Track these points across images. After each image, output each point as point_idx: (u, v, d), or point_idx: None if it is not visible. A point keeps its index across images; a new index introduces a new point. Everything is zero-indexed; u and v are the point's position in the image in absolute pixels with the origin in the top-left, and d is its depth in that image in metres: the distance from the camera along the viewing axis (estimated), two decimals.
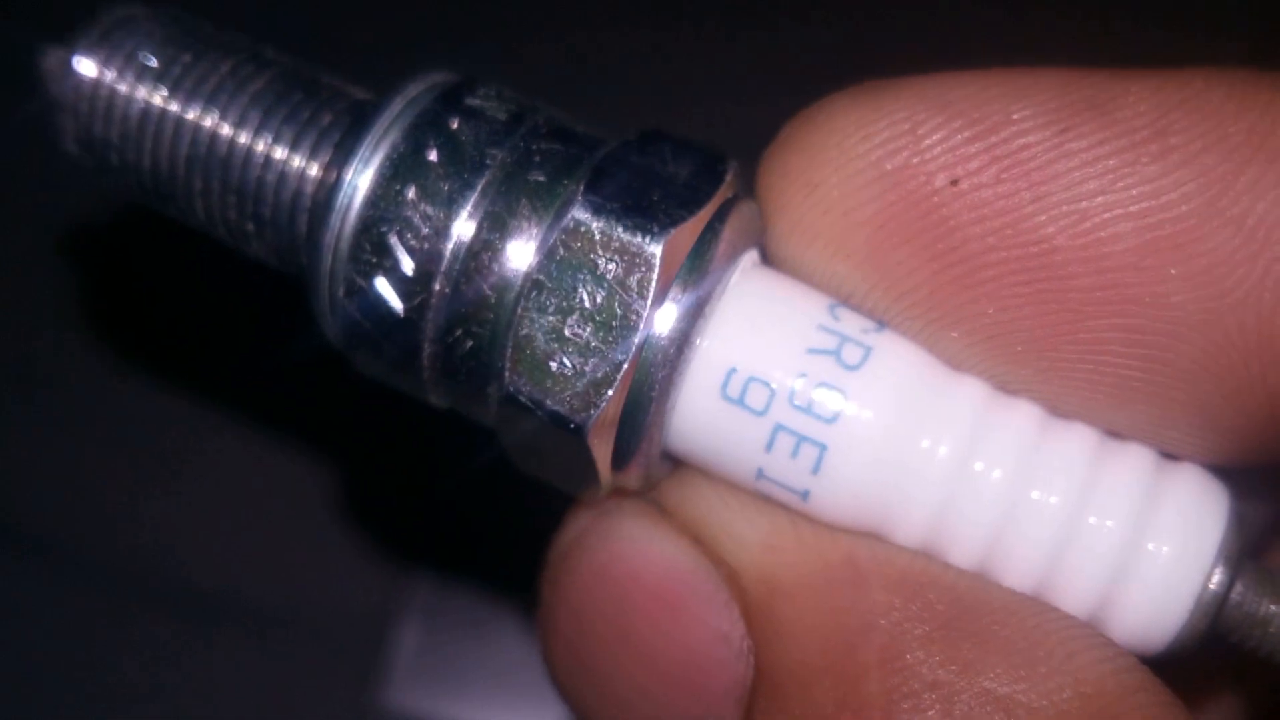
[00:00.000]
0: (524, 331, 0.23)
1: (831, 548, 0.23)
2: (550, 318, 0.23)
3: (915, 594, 0.23)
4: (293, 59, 0.26)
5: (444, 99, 0.24)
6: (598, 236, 0.23)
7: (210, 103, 0.25)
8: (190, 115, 0.25)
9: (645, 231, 0.23)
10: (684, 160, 0.24)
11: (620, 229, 0.23)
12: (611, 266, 0.23)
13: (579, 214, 0.23)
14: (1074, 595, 0.23)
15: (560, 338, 0.23)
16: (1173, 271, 0.22)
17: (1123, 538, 0.23)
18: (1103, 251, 0.22)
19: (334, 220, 0.24)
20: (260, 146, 0.25)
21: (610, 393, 0.23)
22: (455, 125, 0.24)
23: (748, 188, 0.25)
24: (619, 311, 0.23)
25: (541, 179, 0.24)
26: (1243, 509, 0.24)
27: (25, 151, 0.47)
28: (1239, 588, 0.23)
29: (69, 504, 0.54)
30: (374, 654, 0.52)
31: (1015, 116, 0.22)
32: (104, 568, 0.53)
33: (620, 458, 0.24)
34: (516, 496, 0.31)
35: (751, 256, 0.25)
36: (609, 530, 0.25)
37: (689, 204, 0.23)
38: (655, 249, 0.23)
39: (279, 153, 0.25)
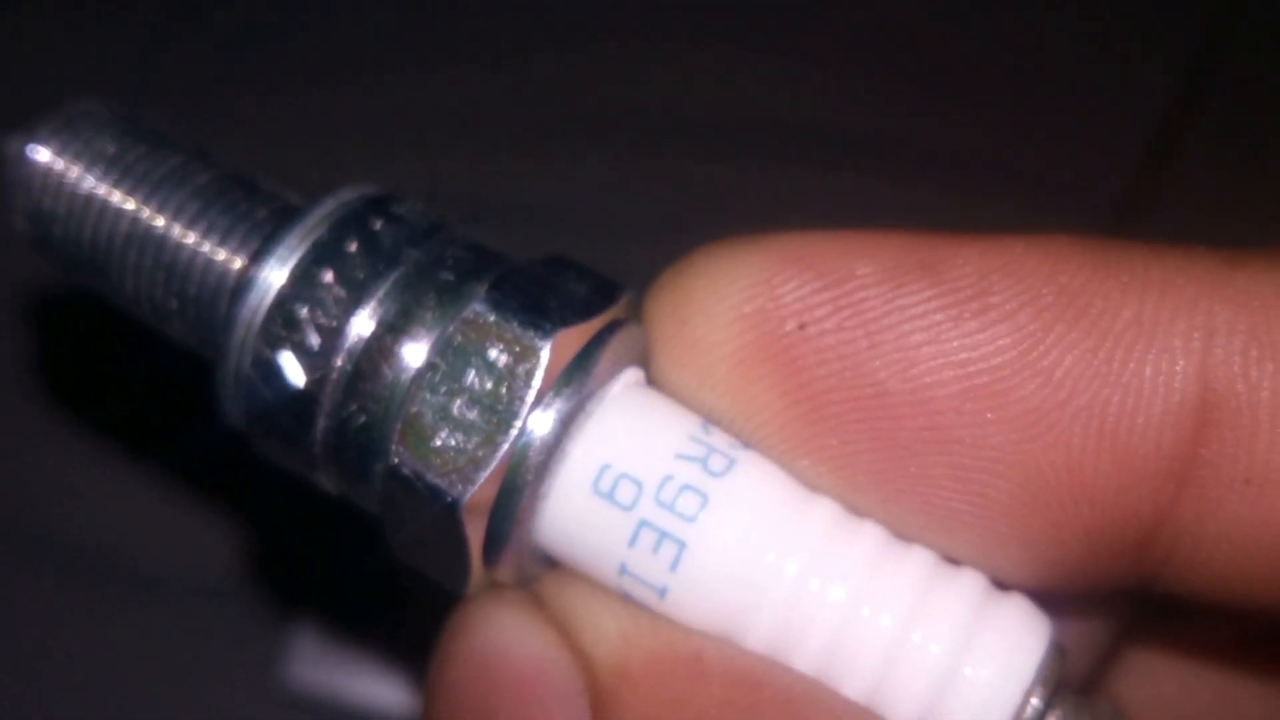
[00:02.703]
0: (414, 409, 0.25)
1: (684, 643, 0.25)
2: (440, 398, 0.25)
3: (751, 692, 0.24)
4: (238, 167, 0.28)
5: (371, 203, 0.27)
6: (492, 328, 0.25)
7: (156, 189, 0.27)
8: (134, 199, 0.27)
9: (537, 328, 0.25)
10: (584, 282, 0.26)
11: (515, 323, 0.25)
12: (503, 357, 0.25)
13: (478, 307, 0.25)
14: (900, 711, 0.24)
15: (447, 416, 0.25)
16: (989, 416, 0.24)
17: (944, 660, 0.24)
18: (928, 395, 0.25)
19: (252, 297, 0.26)
20: (195, 232, 0.27)
21: (488, 472, 0.24)
22: (378, 226, 0.26)
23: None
24: (504, 397, 0.25)
25: (450, 279, 0.26)
26: (1064, 638, 0.25)
27: None
28: (1053, 716, 0.24)
29: None
30: (277, 632, 0.52)
31: (859, 272, 0.25)
32: None
33: (492, 545, 0.25)
34: None
35: (636, 374, 0.27)
36: (486, 618, 0.26)
37: (581, 313, 0.25)
38: (544, 344, 0.25)
39: (212, 238, 0.27)
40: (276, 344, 0.26)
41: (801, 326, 0.25)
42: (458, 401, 0.25)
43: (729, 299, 0.25)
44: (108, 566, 0.54)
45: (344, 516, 0.31)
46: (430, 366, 0.25)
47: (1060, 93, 0.72)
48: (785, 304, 0.25)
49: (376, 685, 0.54)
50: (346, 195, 0.27)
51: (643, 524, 0.25)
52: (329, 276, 0.26)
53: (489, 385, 0.25)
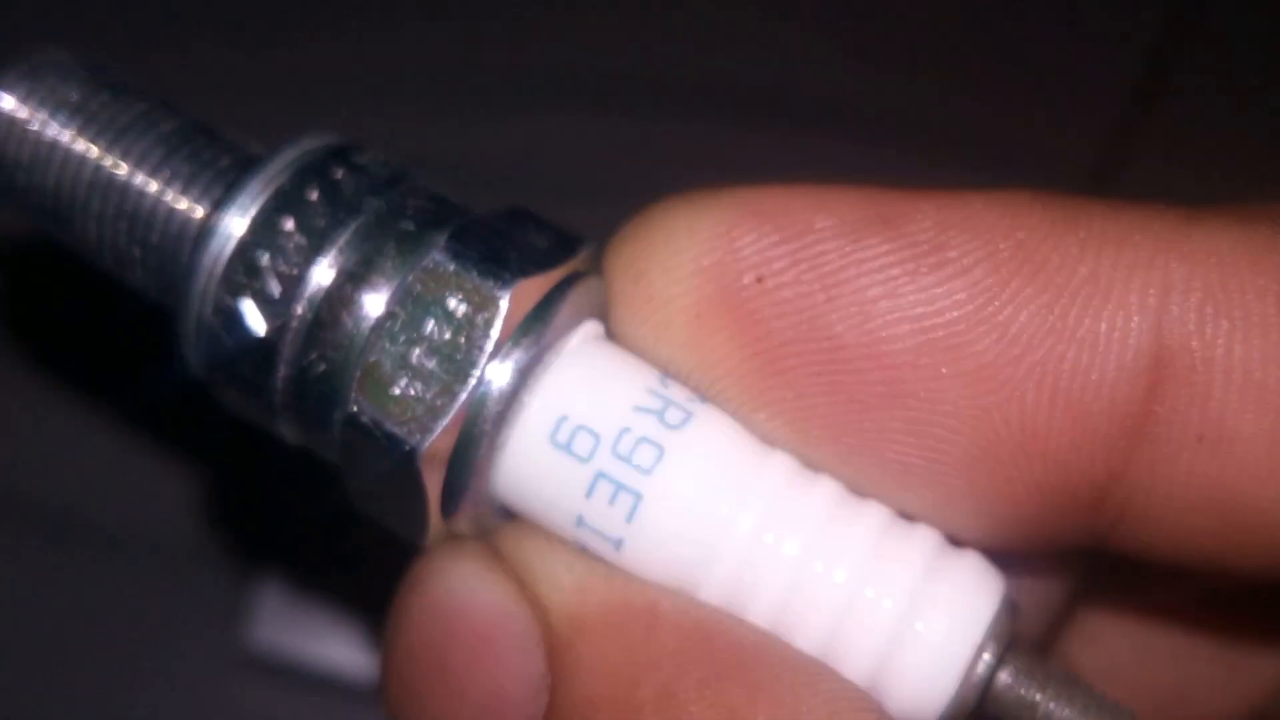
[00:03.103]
0: (373, 358, 0.25)
1: (639, 594, 0.25)
2: (399, 347, 0.25)
3: (703, 641, 0.24)
4: (201, 117, 0.28)
5: (333, 153, 0.27)
6: (452, 277, 0.25)
7: (119, 137, 0.27)
8: (99, 146, 0.27)
9: (496, 278, 0.25)
10: (544, 234, 0.27)
11: (474, 273, 0.25)
12: (462, 306, 0.25)
13: (438, 256, 0.25)
14: (853, 665, 0.25)
15: (406, 365, 0.25)
16: (944, 371, 0.24)
17: (897, 614, 0.24)
18: (884, 350, 0.25)
19: (214, 245, 0.26)
20: (158, 178, 0.27)
21: (446, 420, 0.25)
22: (339, 175, 0.26)
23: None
24: (463, 346, 0.25)
25: (411, 228, 0.26)
26: (1018, 597, 0.25)
27: None
28: (1005, 672, 0.25)
29: None
30: (239, 592, 0.53)
31: (817, 226, 0.25)
32: None
33: (450, 494, 0.25)
34: None
35: (596, 327, 0.27)
36: (444, 570, 0.26)
37: (541, 265, 0.26)
38: (503, 294, 0.25)
39: (175, 186, 0.27)
40: (238, 291, 0.26)
41: (759, 280, 0.25)
42: (417, 350, 0.25)
43: (687, 252, 0.25)
44: (67, 523, 0.54)
45: (306, 475, 0.32)
46: (390, 315, 0.25)
47: (1033, 59, 0.72)
48: (743, 257, 0.25)
49: (339, 646, 0.54)
50: (309, 144, 0.27)
51: (600, 476, 0.25)
52: (290, 224, 0.26)
53: (448, 334, 0.25)
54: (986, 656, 0.25)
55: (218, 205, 0.26)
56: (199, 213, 0.27)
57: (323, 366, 0.26)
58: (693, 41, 0.70)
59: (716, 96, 0.68)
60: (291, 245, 0.26)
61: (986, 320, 0.24)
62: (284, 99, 0.61)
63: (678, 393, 0.26)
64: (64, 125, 0.27)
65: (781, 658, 0.24)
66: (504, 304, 0.25)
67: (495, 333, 0.25)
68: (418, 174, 0.27)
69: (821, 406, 0.25)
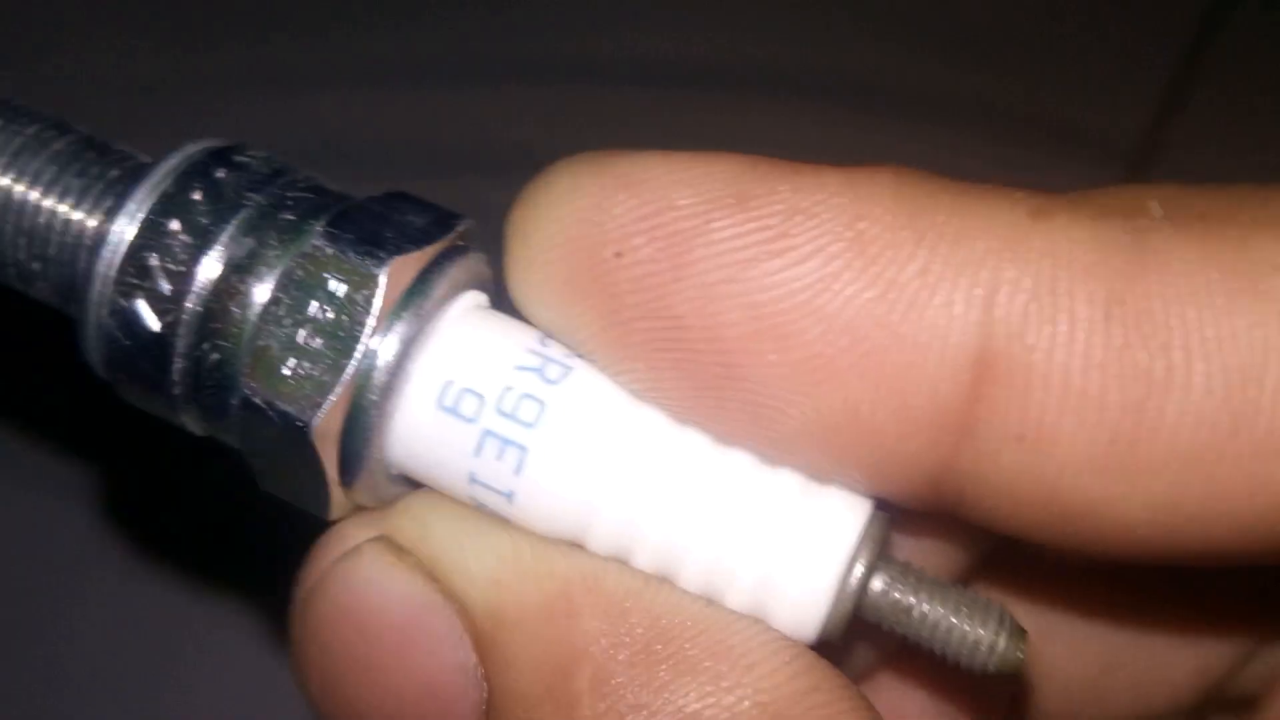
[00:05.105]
0: (262, 343, 0.26)
1: (549, 581, 0.26)
2: (286, 330, 0.26)
3: (620, 619, 0.25)
4: (91, 132, 0.30)
5: (215, 155, 0.28)
6: (331, 260, 0.26)
7: (13, 160, 0.29)
8: None
9: (373, 257, 0.26)
10: (422, 214, 0.28)
11: (352, 254, 0.26)
12: (342, 286, 0.26)
13: (317, 242, 0.27)
14: (735, 593, 0.26)
15: (294, 346, 0.26)
16: (772, 358, 0.25)
17: (770, 540, 0.26)
18: (721, 334, 0.25)
19: (106, 252, 0.27)
20: (53, 195, 0.28)
21: (334, 395, 0.26)
22: (221, 174, 0.28)
23: None
24: (346, 324, 0.26)
25: (291, 219, 0.27)
26: (919, 559, 0.27)
27: None
28: (879, 580, 0.26)
29: None
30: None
31: (678, 202, 0.26)
32: None
33: (347, 465, 0.27)
34: None
35: (477, 298, 0.28)
36: (349, 569, 0.27)
37: (417, 241, 0.27)
38: (380, 271, 0.26)
39: (68, 200, 0.28)
40: (131, 292, 0.27)
41: (619, 254, 0.26)
42: (303, 331, 0.26)
43: (561, 221, 0.26)
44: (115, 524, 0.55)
45: None
46: (275, 301, 0.26)
47: (1075, 39, 0.72)
48: (607, 230, 0.26)
49: None
50: (190, 149, 0.28)
51: (487, 434, 0.26)
52: (176, 225, 0.27)
53: (331, 314, 0.26)
54: (859, 567, 0.26)
55: (108, 214, 0.28)
56: (91, 224, 0.28)
57: (216, 356, 0.27)
58: (716, 20, 0.70)
59: (749, 74, 0.68)
60: (178, 244, 0.27)
61: (815, 312, 0.25)
62: (276, 92, 0.62)
63: (557, 351, 0.27)
64: None
65: (694, 618, 0.25)
66: (382, 280, 0.26)
67: (375, 308, 0.26)
68: (298, 167, 0.29)
69: (669, 380, 0.26)
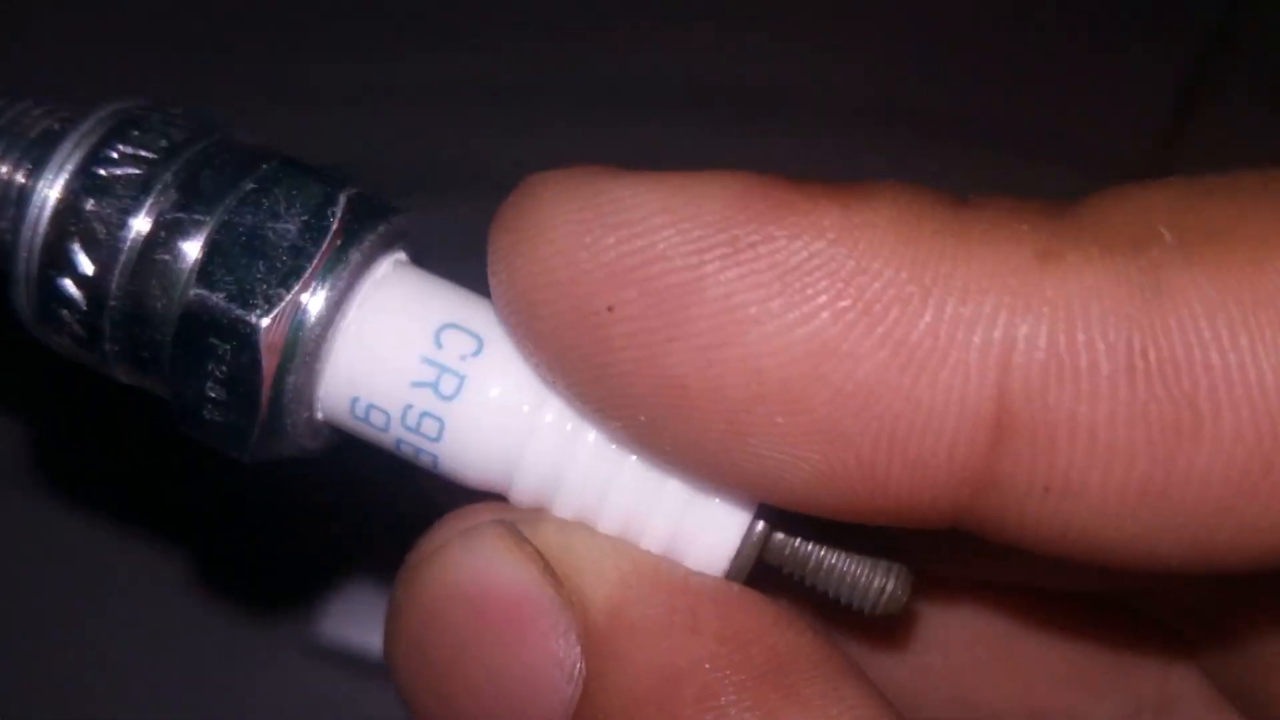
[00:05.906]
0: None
1: (681, 595, 0.26)
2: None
3: (741, 646, 0.25)
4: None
5: (144, 108, 0.29)
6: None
7: None
8: None
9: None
10: (299, 211, 0.28)
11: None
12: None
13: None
14: (651, 535, 0.27)
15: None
16: (779, 420, 0.24)
17: (684, 490, 0.27)
18: (724, 395, 0.24)
19: (36, 199, 0.28)
20: None
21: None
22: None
23: None
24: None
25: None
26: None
27: None
28: (779, 532, 0.28)
29: None
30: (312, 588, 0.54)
31: (667, 252, 0.24)
32: None
33: (276, 396, 0.27)
34: None
35: (397, 256, 0.29)
36: (468, 546, 0.27)
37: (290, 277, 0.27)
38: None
39: None
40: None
41: (610, 309, 0.25)
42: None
43: (546, 262, 0.25)
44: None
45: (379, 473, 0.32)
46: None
47: (1083, 54, 0.73)
48: (597, 280, 0.25)
49: None
50: (120, 103, 0.29)
51: (400, 441, 0.28)
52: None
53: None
54: (761, 523, 0.28)
55: (37, 166, 0.28)
56: (15, 184, 0.28)
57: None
58: (729, 48, 0.71)
59: (754, 97, 0.69)
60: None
61: (822, 379, 0.24)
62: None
63: (451, 352, 0.27)
64: None
65: (810, 660, 0.26)
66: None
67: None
68: (226, 123, 0.29)
69: (667, 432, 0.26)
